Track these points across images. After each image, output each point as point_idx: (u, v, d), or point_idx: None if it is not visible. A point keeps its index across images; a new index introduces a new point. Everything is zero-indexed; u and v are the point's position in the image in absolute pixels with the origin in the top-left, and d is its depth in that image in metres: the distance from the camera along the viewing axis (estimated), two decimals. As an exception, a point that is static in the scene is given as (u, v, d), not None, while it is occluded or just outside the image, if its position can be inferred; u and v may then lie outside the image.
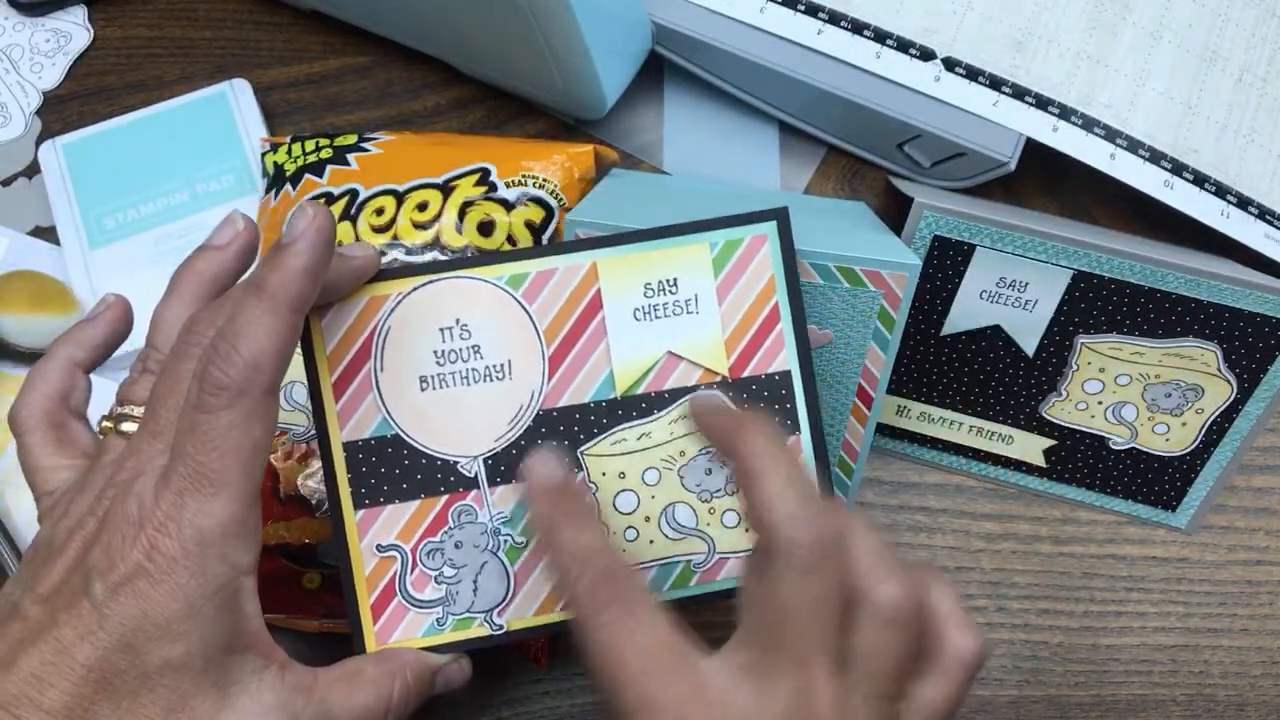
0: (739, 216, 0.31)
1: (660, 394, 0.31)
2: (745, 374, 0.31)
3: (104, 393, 0.33)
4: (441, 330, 0.31)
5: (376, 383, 0.31)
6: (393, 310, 0.31)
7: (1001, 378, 0.41)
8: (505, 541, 0.31)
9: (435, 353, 0.31)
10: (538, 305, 0.31)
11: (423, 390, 0.31)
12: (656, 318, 0.31)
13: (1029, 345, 0.41)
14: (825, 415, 0.36)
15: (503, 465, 0.31)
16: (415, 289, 0.31)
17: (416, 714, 0.31)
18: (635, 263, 0.31)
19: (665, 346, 0.31)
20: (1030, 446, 0.43)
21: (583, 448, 0.31)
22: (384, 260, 0.38)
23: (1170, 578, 0.44)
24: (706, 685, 0.24)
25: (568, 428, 0.31)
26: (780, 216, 0.31)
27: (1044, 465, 0.43)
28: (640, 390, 0.31)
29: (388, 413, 0.31)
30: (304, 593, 0.38)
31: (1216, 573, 0.44)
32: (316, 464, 0.37)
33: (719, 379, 0.31)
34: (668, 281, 0.31)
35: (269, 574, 0.38)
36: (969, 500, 0.44)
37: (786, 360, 0.31)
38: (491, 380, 0.31)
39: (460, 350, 0.31)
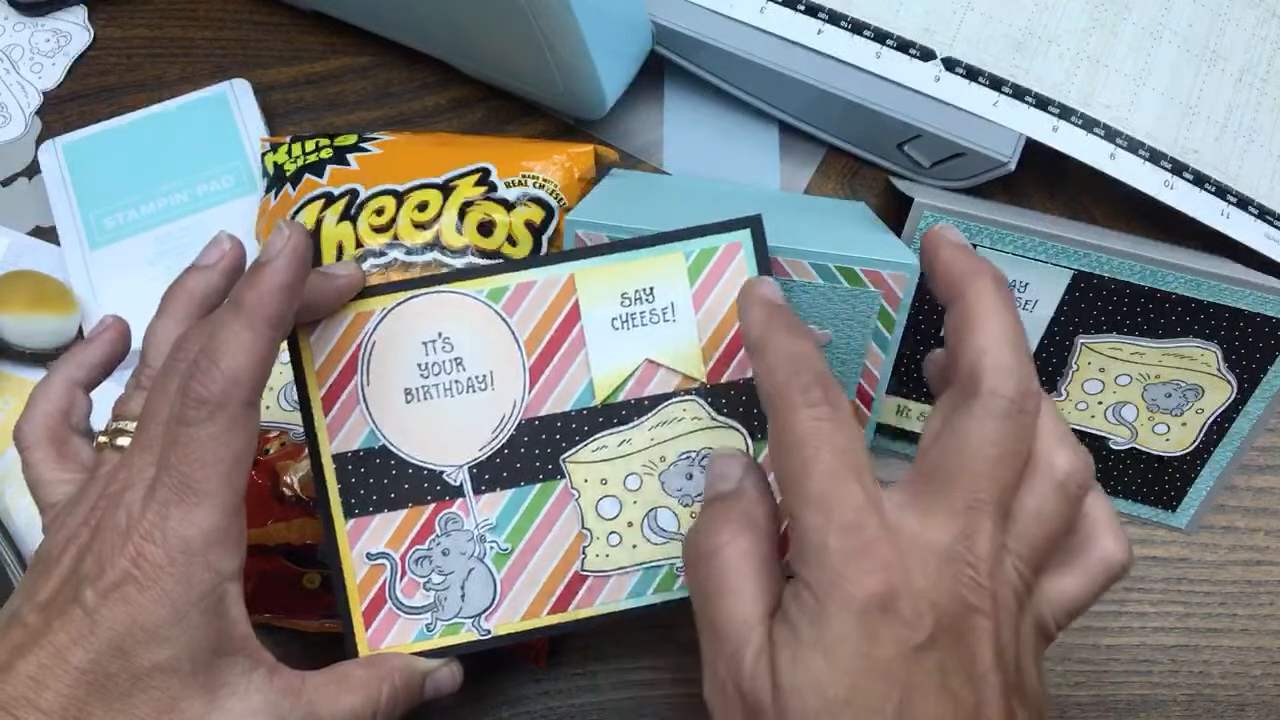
0: (713, 225, 0.31)
1: (640, 401, 0.32)
2: (723, 380, 0.32)
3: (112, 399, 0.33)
4: (424, 344, 0.31)
5: (363, 396, 0.31)
6: (377, 326, 0.31)
7: (1001, 378, 0.41)
8: (491, 549, 0.32)
9: (419, 365, 0.31)
10: (518, 317, 0.31)
11: (408, 402, 0.31)
12: (634, 326, 0.32)
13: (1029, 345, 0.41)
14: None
15: (487, 474, 0.32)
16: (398, 304, 0.31)
17: (412, 716, 0.31)
18: (612, 273, 0.31)
19: (643, 354, 0.32)
20: (1030, 446, 0.43)
21: (565, 455, 0.32)
22: (384, 260, 0.38)
23: (1170, 578, 0.44)
24: (880, 504, 0.24)
25: (550, 436, 0.32)
26: (754, 224, 0.31)
27: (1044, 465, 0.43)
28: (620, 398, 0.32)
29: (375, 425, 0.31)
30: (304, 593, 0.38)
31: (1216, 573, 0.44)
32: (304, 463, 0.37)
33: (697, 385, 0.32)
34: (644, 291, 0.31)
35: (269, 574, 0.38)
36: (969, 500, 0.44)
37: None
38: (474, 391, 0.31)
39: (443, 363, 0.31)
